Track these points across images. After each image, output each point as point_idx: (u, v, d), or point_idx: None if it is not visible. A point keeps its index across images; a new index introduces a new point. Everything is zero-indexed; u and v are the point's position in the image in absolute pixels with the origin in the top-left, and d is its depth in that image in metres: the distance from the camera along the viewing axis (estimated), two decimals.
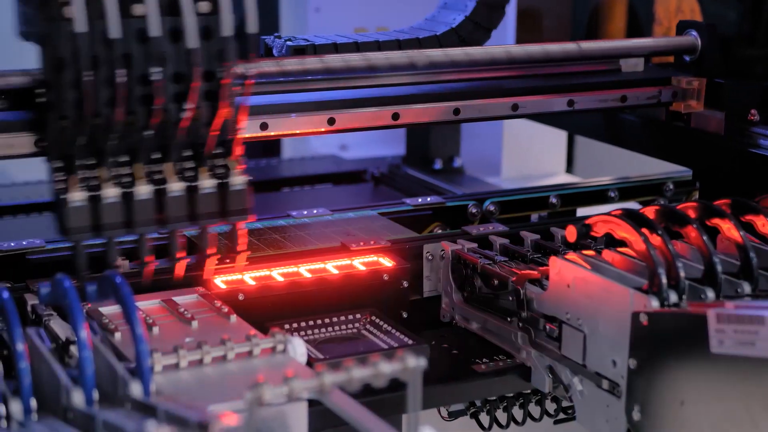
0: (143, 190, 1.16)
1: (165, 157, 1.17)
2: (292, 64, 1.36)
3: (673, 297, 1.06)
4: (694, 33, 1.56)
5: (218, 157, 1.19)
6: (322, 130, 1.39)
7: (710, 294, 1.07)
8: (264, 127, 1.34)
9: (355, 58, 1.39)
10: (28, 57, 1.16)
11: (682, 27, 1.58)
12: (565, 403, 1.29)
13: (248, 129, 1.32)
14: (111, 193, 1.14)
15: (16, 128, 1.20)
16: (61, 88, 1.10)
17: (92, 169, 1.14)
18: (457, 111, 1.46)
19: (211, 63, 1.15)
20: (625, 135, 1.69)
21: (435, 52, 1.44)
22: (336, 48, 1.44)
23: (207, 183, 1.18)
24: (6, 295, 0.95)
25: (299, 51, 1.41)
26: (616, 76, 1.58)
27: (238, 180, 1.19)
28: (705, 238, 1.11)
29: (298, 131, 1.37)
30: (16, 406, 0.90)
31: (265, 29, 1.30)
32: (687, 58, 1.57)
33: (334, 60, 1.38)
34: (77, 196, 1.13)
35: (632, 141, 1.69)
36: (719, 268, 1.08)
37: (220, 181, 1.18)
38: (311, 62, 1.37)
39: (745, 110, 1.50)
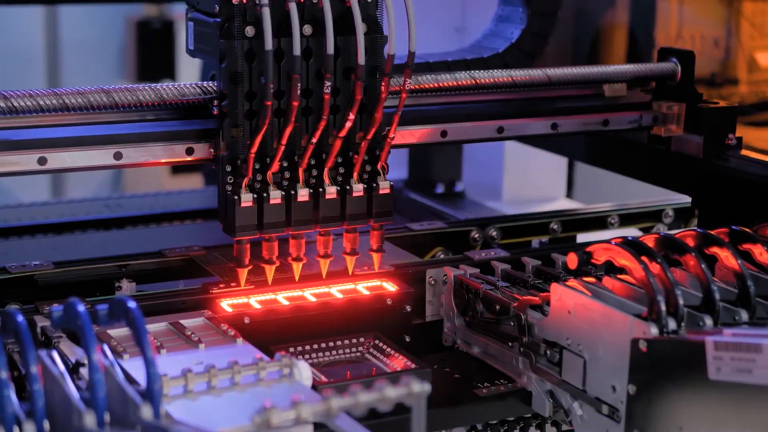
0: (302, 193, 1.30)
1: (320, 162, 1.32)
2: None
3: (671, 324, 1.08)
4: (674, 59, 1.62)
5: (368, 164, 1.35)
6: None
7: (708, 321, 1.09)
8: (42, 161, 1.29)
9: None
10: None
11: (663, 54, 1.63)
12: (565, 428, 1.31)
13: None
14: (275, 195, 1.29)
15: (191, 137, 1.33)
16: (235, 99, 1.26)
17: (259, 173, 1.29)
18: (444, 133, 1.50)
19: (370, 78, 1.32)
20: (610, 157, 1.76)
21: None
22: None
23: (357, 187, 1.34)
24: (20, 318, 0.97)
25: None
26: (599, 101, 1.63)
27: (384, 185, 1.35)
28: (703, 266, 1.12)
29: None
30: (29, 428, 0.92)
31: None
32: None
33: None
34: (246, 197, 1.27)
35: (616, 163, 1.76)
36: (717, 296, 1.10)
37: (369, 185, 1.34)
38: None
39: (723, 134, 1.56)
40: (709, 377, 1.01)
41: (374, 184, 1.35)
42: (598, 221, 1.70)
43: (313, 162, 1.33)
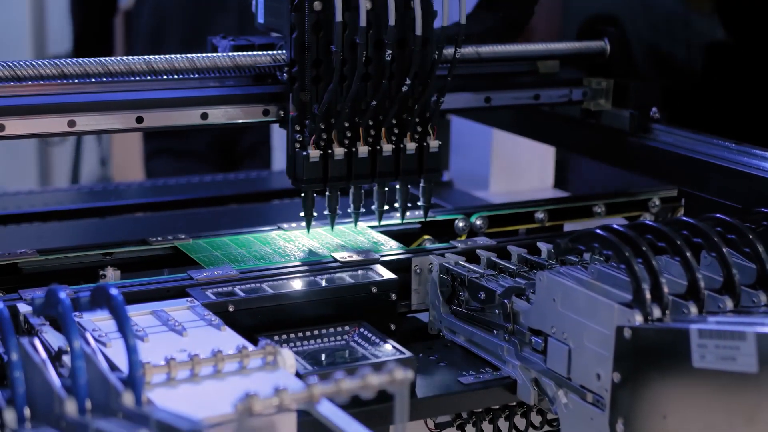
0: (363, 150, 1.42)
1: (379, 123, 1.44)
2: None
3: (656, 312, 1.07)
4: (605, 38, 1.72)
5: (420, 125, 1.46)
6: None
7: (693, 309, 1.09)
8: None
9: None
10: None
11: (595, 33, 1.74)
12: (550, 416, 1.31)
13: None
14: (338, 151, 1.41)
15: (264, 100, 1.45)
16: (304, 66, 1.39)
17: (324, 132, 1.41)
18: None
19: (423, 48, 1.42)
20: (550, 132, 1.87)
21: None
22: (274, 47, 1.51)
23: (410, 145, 1.45)
24: (1, 305, 0.96)
25: (238, 50, 1.51)
26: (532, 77, 1.72)
27: (434, 144, 1.46)
28: (688, 254, 1.12)
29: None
30: (9, 415, 0.92)
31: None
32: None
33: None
34: (314, 153, 1.39)
35: (555, 138, 1.91)
36: (702, 284, 1.10)
37: (420, 144, 1.46)
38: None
39: (648, 109, 1.67)
40: (694, 365, 1.01)
41: (425, 144, 1.45)
42: (585, 210, 1.69)
43: (371, 123, 1.43)
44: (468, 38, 1.67)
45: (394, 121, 1.44)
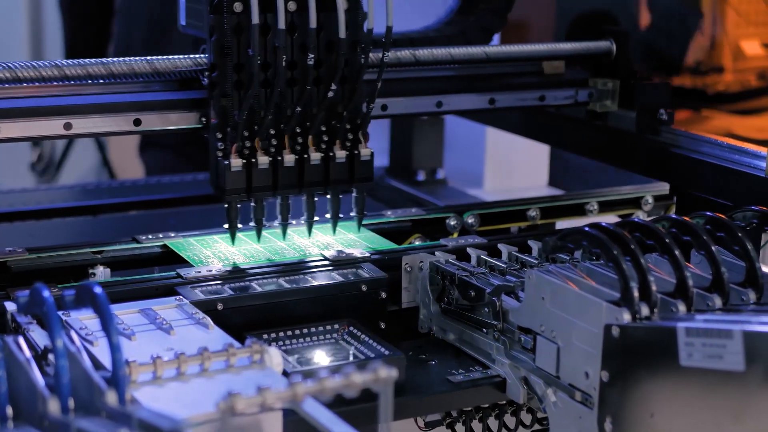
0: (288, 159, 1.37)
1: (306, 130, 1.39)
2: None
3: (644, 310, 1.07)
4: (610, 38, 1.69)
5: (351, 131, 1.41)
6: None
7: (681, 307, 1.09)
8: None
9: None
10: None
11: (601, 33, 1.71)
12: (540, 414, 1.31)
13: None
14: (262, 160, 1.35)
15: (184, 106, 1.39)
16: (225, 71, 1.33)
17: (247, 140, 1.36)
18: (384, 107, 1.55)
19: (351, 52, 1.38)
20: (554, 133, 1.85)
21: None
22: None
23: (340, 153, 1.40)
24: None
25: None
26: (537, 78, 1.68)
27: (366, 151, 1.41)
28: (677, 252, 1.12)
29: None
30: None
31: None
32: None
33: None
34: (236, 162, 1.33)
35: (559, 139, 1.88)
36: (690, 282, 1.10)
37: (351, 152, 1.41)
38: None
39: (655, 110, 1.64)
40: (681, 363, 1.01)
41: (356, 151, 1.41)
42: (577, 208, 1.69)
43: (298, 130, 1.39)
44: (435, 40, 1.65)
45: (323, 128, 1.40)
